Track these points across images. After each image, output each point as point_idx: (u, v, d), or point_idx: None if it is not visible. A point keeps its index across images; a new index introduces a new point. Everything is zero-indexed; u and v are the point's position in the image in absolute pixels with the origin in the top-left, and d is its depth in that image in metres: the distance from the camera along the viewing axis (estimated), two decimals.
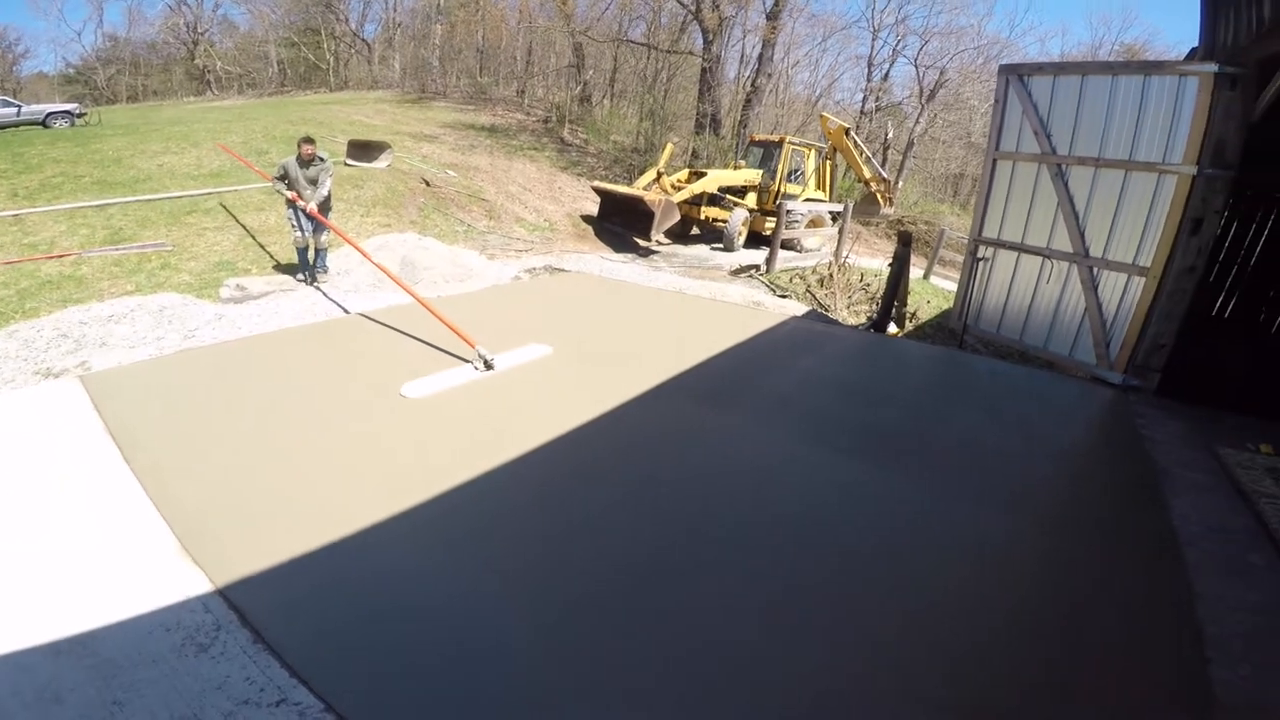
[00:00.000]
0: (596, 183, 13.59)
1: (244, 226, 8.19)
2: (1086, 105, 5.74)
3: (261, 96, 28.38)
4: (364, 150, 11.83)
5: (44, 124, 16.23)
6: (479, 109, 22.47)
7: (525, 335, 5.73)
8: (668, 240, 12.41)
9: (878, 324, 7.77)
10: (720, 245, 12.61)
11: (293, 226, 6.76)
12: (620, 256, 11.12)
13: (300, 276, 7.10)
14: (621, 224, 12.16)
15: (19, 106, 16.65)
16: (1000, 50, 27.01)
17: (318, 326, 5.84)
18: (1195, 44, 5.82)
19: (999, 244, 6.62)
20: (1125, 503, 3.76)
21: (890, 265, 7.94)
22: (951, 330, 7.63)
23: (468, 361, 4.99)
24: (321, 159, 6.77)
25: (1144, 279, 5.40)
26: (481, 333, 5.25)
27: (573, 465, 3.70)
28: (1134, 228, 5.43)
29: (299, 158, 6.65)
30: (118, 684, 2.14)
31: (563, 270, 9.15)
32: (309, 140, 6.74)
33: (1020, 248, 6.39)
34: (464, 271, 8.31)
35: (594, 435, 4.07)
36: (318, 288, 6.91)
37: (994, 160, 6.67)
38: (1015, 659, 2.43)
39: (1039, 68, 6.35)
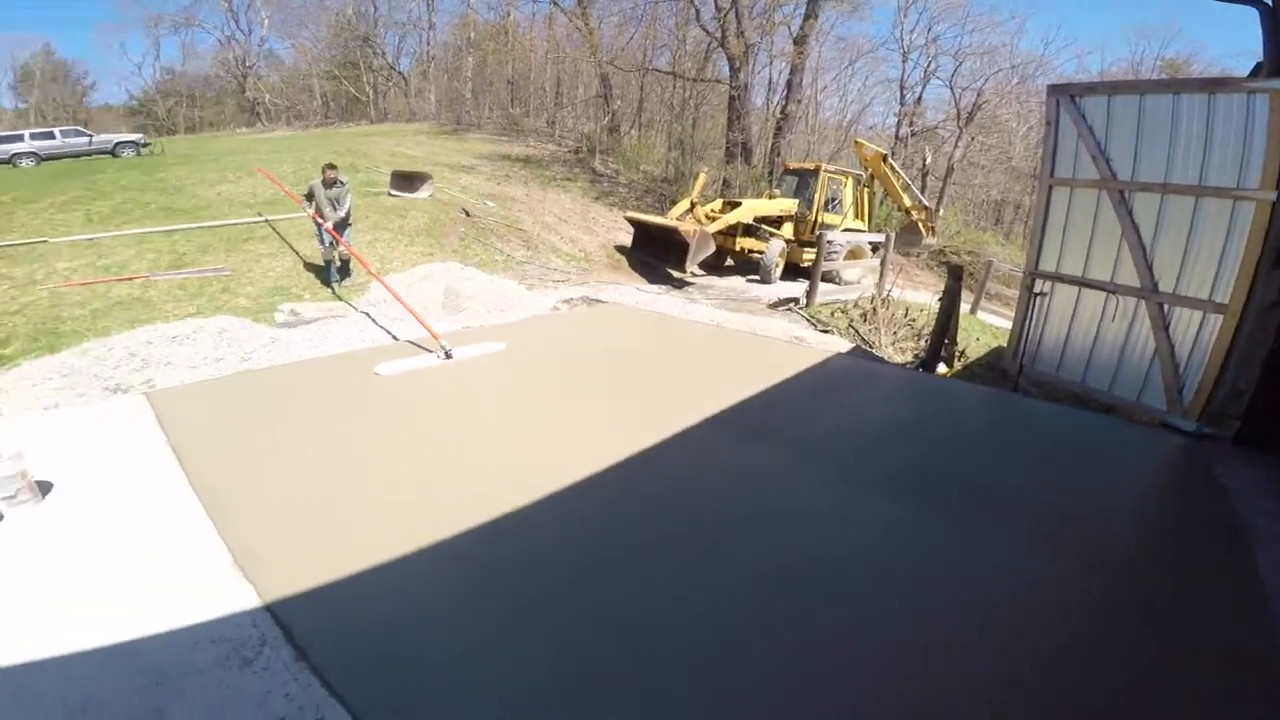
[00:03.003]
0: (630, 213, 13.61)
1: (296, 253, 8.41)
2: (1147, 126, 5.46)
3: (308, 128, 29.50)
4: (407, 181, 12.12)
5: (113, 153, 17.13)
6: (512, 140, 22.97)
7: (564, 366, 5.77)
8: (702, 272, 12.36)
9: (926, 363, 7.54)
10: (756, 277, 12.43)
11: (320, 242, 7.66)
12: (655, 288, 11.11)
13: (333, 288, 7.67)
14: (655, 255, 12.07)
15: (90, 136, 17.68)
16: (1036, 69, 26.47)
17: (367, 351, 5.92)
18: (1258, 59, 5.30)
19: (1058, 278, 6.35)
20: (1204, 552, 3.52)
21: (940, 300, 7.74)
22: (1004, 371, 7.39)
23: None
24: (342, 182, 7.65)
25: (1221, 317, 5.03)
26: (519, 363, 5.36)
27: (608, 500, 3.63)
28: (1208, 260, 5.10)
29: (324, 180, 7.51)
30: (161, 692, 2.17)
31: (600, 301, 9.17)
32: (332, 166, 7.69)
33: (1081, 282, 6.12)
34: (505, 301, 8.38)
35: (634, 469, 4.00)
36: (366, 313, 7.04)
37: (1049, 187, 6.36)
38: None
39: (1091, 87, 6.10)
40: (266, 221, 9.42)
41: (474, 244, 10.57)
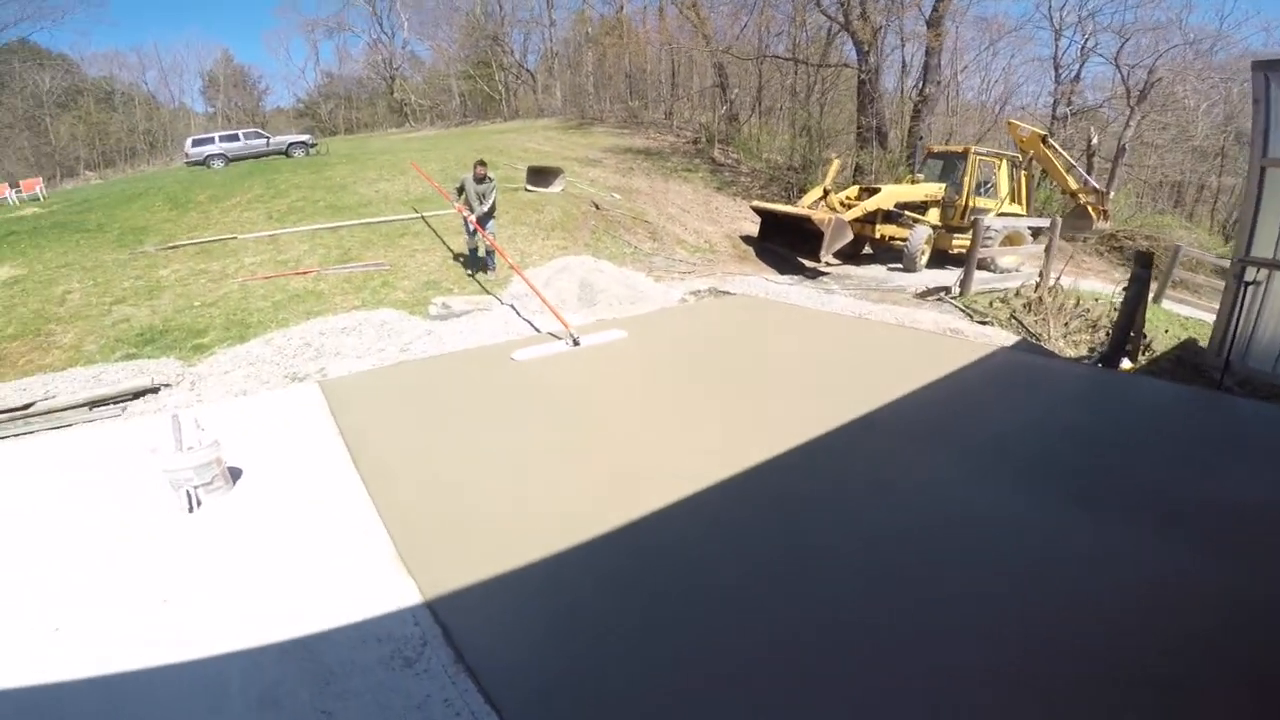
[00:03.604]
0: (756, 202, 13.27)
1: (447, 247, 8.92)
2: None
3: (449, 127, 31.39)
4: (541, 176, 12.51)
5: (286, 153, 19.06)
6: (633, 132, 23.14)
7: (697, 358, 5.65)
8: (837, 261, 11.78)
9: (1108, 357, 6.72)
10: (898, 265, 11.74)
11: (466, 232, 8.13)
12: (786, 278, 10.73)
13: (469, 272, 8.25)
14: (785, 244, 11.72)
15: (268, 138, 19.78)
16: (1213, 45, 23.09)
17: (511, 344, 6.16)
18: None
19: (1275, 265, 5.54)
20: None
21: (1125, 289, 6.86)
22: (1196, 366, 6.44)
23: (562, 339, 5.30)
24: (490, 179, 8.05)
25: None
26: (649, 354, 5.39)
27: (757, 501, 3.48)
28: None
29: (474, 176, 7.96)
30: (330, 692, 2.22)
31: (728, 293, 8.98)
32: (482, 163, 8.07)
33: None
34: (635, 294, 8.39)
35: (787, 469, 3.81)
36: (510, 306, 7.32)
37: (1262, 168, 5.68)
38: None
39: None
40: (421, 218, 10.08)
41: (604, 236, 10.72)
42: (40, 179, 18.47)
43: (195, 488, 3.30)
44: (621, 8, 31.99)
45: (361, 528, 3.21)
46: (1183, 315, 9.76)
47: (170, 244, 9.06)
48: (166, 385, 5.22)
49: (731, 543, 3.07)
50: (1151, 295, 10.88)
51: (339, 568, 2.91)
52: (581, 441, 4.14)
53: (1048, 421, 4.60)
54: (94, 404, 4.79)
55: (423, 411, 4.64)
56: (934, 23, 18.52)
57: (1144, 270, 6.72)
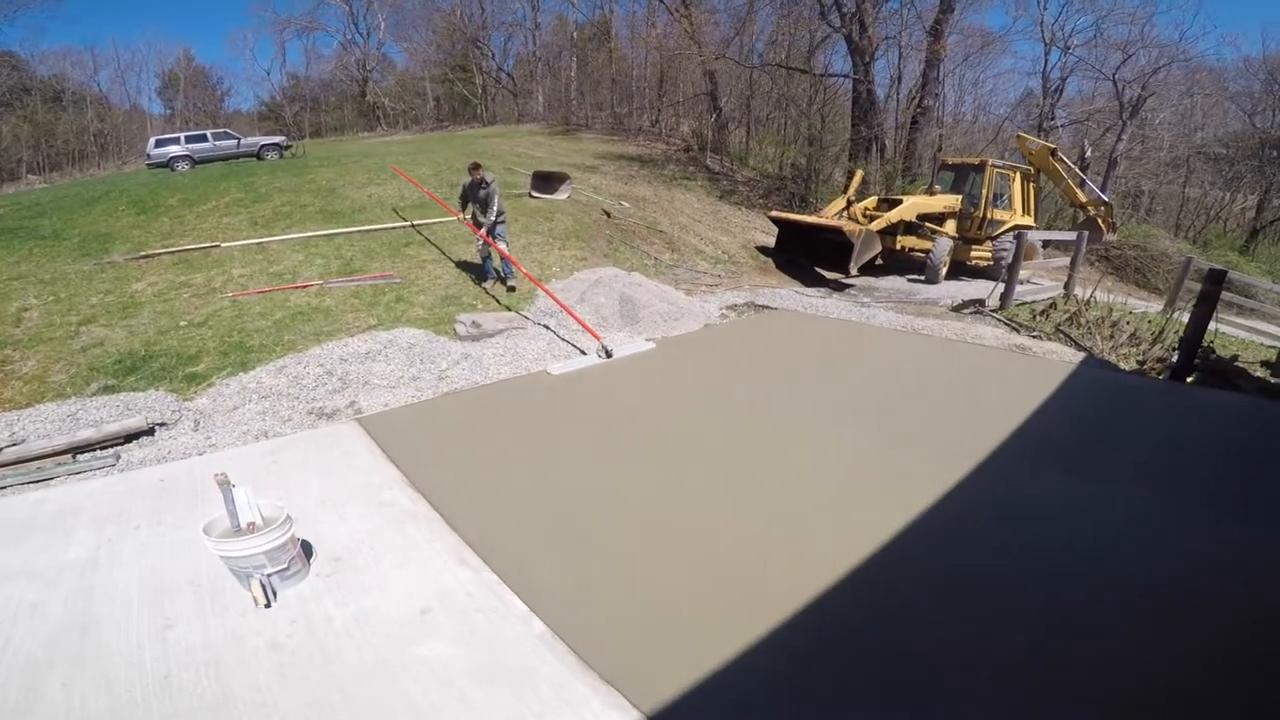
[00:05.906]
0: (775, 212, 12.86)
1: (458, 258, 8.10)
2: None
3: (424, 132, 30.26)
4: (546, 182, 11.81)
5: (258, 155, 17.82)
6: (622, 139, 22.61)
7: (784, 384, 5.02)
8: (857, 273, 11.39)
9: (1179, 370, 6.51)
10: (916, 276, 11.53)
11: (477, 245, 7.50)
12: (814, 291, 10.25)
13: (483, 285, 7.48)
14: (805, 255, 11.37)
15: (238, 139, 18.48)
16: (1172, 57, 23.81)
17: (557, 365, 5.46)
18: None
19: None
20: None
21: (1195, 306, 6.76)
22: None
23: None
24: (487, 182, 7.22)
25: None
26: (737, 385, 4.64)
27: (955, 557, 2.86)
28: None
29: (470, 181, 7.20)
30: None
31: (767, 307, 8.41)
32: (476, 166, 7.21)
33: None
34: (674, 310, 7.73)
35: (955, 507, 3.25)
36: (545, 325, 6.57)
37: None
38: None
39: None
40: (413, 226, 9.23)
41: (621, 246, 10.03)
42: None
43: (269, 575, 2.50)
44: (611, 12, 31.50)
45: (508, 614, 2.51)
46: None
47: (142, 253, 8.02)
48: (163, 425, 4.32)
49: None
50: (1161, 308, 10.85)
51: (520, 690, 2.14)
52: (704, 487, 3.47)
53: (1183, 441, 4.26)
54: (77, 450, 3.88)
55: (497, 452, 3.90)
56: (937, 34, 18.52)
57: (1214, 287, 6.69)
